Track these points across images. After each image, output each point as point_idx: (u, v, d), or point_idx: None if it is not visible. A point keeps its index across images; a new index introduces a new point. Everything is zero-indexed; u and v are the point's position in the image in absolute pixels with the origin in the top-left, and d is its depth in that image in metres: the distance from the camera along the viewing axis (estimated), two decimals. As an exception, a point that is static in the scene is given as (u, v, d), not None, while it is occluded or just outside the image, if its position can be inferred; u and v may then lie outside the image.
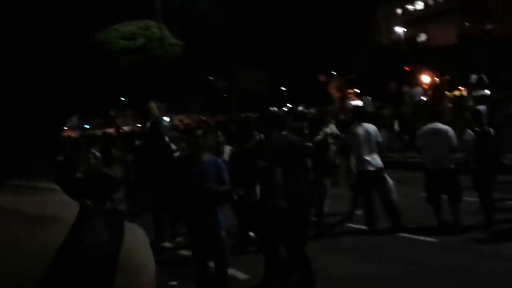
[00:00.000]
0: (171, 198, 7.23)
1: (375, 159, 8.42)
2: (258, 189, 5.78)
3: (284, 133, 6.13)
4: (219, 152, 8.06)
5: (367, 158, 8.36)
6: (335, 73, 35.13)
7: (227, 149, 8.55)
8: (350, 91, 39.85)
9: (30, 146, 0.89)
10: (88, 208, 0.91)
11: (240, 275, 6.61)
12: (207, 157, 5.71)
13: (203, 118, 42.57)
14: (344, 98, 38.56)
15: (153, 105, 12.91)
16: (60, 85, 0.92)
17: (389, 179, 8.46)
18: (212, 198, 5.34)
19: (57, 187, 0.92)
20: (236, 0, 26.74)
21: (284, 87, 34.80)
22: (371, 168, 8.34)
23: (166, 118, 39.38)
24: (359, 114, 9.24)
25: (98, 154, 7.99)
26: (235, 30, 25.91)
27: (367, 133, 8.55)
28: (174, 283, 6.63)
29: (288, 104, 36.88)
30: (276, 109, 36.48)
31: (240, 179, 6.28)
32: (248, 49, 25.88)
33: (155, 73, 27.04)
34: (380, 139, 8.83)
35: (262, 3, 26.74)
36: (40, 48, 0.90)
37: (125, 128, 43.41)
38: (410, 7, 54.89)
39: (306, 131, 9.50)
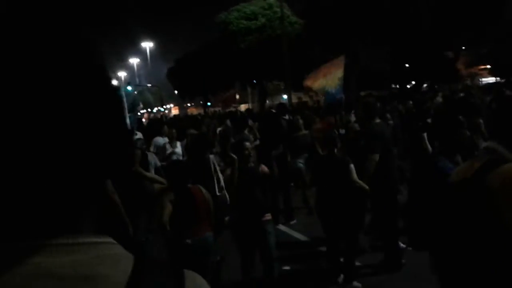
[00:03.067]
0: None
1: None
2: None
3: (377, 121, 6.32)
4: None
5: None
6: (464, 48, 32.79)
7: None
8: (482, 67, 37.06)
9: (74, 199, 0.77)
10: (143, 261, 0.79)
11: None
12: None
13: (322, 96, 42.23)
14: (475, 75, 36.01)
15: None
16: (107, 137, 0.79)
17: None
18: None
19: (106, 239, 0.80)
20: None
21: (408, 64, 33.18)
22: None
23: (284, 96, 39.79)
24: None
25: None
26: (356, 6, 25.01)
27: None
28: (287, 267, 6.56)
29: (412, 82, 35.25)
30: (398, 86, 35.04)
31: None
32: (369, 25, 24.90)
33: (274, 52, 27.17)
34: None
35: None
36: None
37: (243, 106, 44.51)
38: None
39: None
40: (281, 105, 13.93)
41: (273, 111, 14.84)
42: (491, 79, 36.01)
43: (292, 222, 8.79)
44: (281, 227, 8.64)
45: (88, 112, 0.76)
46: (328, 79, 8.99)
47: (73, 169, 0.75)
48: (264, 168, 5.64)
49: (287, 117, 11.15)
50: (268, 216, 5.45)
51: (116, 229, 4.95)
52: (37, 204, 0.75)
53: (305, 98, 42.43)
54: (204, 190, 4.95)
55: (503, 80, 31.61)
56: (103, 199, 0.84)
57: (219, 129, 13.27)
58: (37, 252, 0.73)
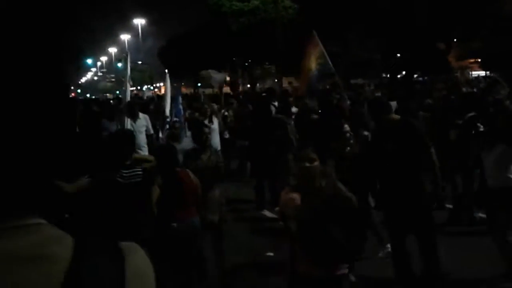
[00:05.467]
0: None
1: None
2: None
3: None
4: None
5: None
6: (455, 40, 32.84)
7: None
8: (473, 61, 37.18)
9: (16, 184, 0.86)
10: (83, 240, 0.89)
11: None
12: None
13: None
14: (465, 68, 36.14)
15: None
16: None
17: None
18: None
19: (45, 221, 0.89)
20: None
21: (399, 54, 33.20)
22: None
23: (275, 80, 39.69)
24: None
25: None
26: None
27: None
28: (271, 254, 6.62)
29: (403, 72, 35.30)
30: (388, 76, 35.09)
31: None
32: (363, 14, 24.84)
33: (267, 36, 27.02)
34: None
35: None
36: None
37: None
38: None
39: None
40: (270, 89, 13.48)
41: (264, 95, 14.64)
42: (481, 73, 36.19)
43: (277, 209, 8.75)
44: (266, 212, 8.72)
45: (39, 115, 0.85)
46: (309, 62, 9.03)
47: (20, 158, 0.84)
48: (340, 189, 3.60)
49: (276, 103, 11.08)
50: (345, 269, 3.65)
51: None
52: None
53: (296, 83, 42.27)
54: (192, 175, 4.98)
55: (492, 74, 31.80)
56: (50, 184, 0.92)
57: (223, 111, 12.30)
58: None
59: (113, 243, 0.91)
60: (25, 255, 0.82)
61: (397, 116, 5.31)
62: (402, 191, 4.94)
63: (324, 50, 9.04)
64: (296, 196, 3.55)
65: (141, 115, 8.90)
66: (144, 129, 8.80)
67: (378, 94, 14.58)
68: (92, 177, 4.60)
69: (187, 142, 7.00)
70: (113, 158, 4.71)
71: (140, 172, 4.60)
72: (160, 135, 8.43)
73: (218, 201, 5.56)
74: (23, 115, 0.83)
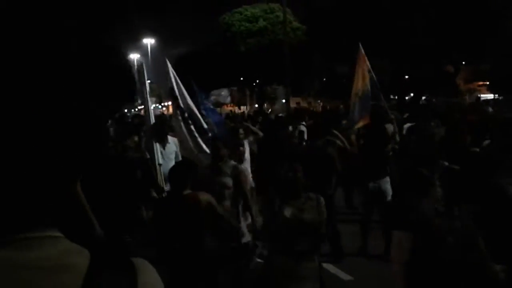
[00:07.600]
0: None
1: None
2: None
3: None
4: None
5: None
6: (464, 63, 32.83)
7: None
8: (481, 83, 37.15)
9: (36, 198, 0.88)
10: (99, 254, 0.91)
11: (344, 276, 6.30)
12: None
13: (320, 102, 42.35)
14: (473, 90, 36.09)
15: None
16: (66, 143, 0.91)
17: None
18: None
19: (61, 234, 0.92)
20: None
21: (407, 76, 33.25)
22: None
23: (283, 101, 39.79)
24: None
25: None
26: (359, 17, 25.06)
27: None
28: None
29: (411, 94, 35.27)
30: (396, 98, 35.04)
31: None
32: (370, 36, 24.95)
33: (275, 56, 27.18)
34: None
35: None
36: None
37: (242, 108, 44.46)
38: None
39: None
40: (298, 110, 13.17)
41: (281, 115, 14.60)
42: (489, 96, 36.12)
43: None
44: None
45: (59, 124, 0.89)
46: (358, 81, 8.44)
47: (39, 170, 0.86)
48: None
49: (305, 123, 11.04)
50: None
51: (81, 228, 4.87)
52: (5, 202, 0.86)
53: (303, 104, 42.40)
54: (202, 197, 4.65)
55: (501, 97, 31.74)
56: (66, 199, 0.94)
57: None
58: (9, 246, 0.85)
59: (126, 258, 0.94)
60: (47, 266, 0.85)
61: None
62: None
63: (369, 65, 8.57)
64: None
65: (170, 138, 7.26)
66: (173, 155, 7.14)
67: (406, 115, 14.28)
68: None
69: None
70: None
71: None
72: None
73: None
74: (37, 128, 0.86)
